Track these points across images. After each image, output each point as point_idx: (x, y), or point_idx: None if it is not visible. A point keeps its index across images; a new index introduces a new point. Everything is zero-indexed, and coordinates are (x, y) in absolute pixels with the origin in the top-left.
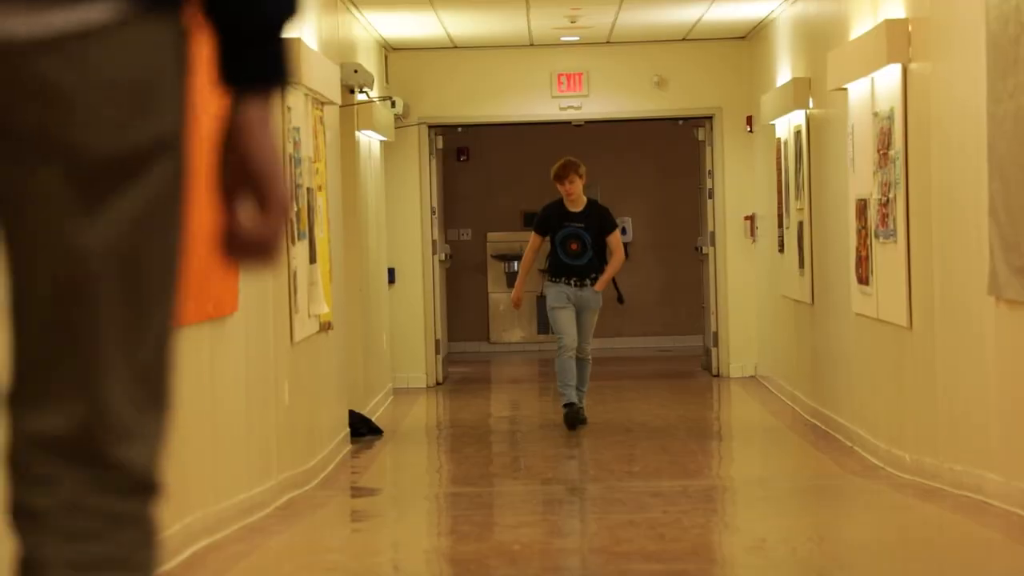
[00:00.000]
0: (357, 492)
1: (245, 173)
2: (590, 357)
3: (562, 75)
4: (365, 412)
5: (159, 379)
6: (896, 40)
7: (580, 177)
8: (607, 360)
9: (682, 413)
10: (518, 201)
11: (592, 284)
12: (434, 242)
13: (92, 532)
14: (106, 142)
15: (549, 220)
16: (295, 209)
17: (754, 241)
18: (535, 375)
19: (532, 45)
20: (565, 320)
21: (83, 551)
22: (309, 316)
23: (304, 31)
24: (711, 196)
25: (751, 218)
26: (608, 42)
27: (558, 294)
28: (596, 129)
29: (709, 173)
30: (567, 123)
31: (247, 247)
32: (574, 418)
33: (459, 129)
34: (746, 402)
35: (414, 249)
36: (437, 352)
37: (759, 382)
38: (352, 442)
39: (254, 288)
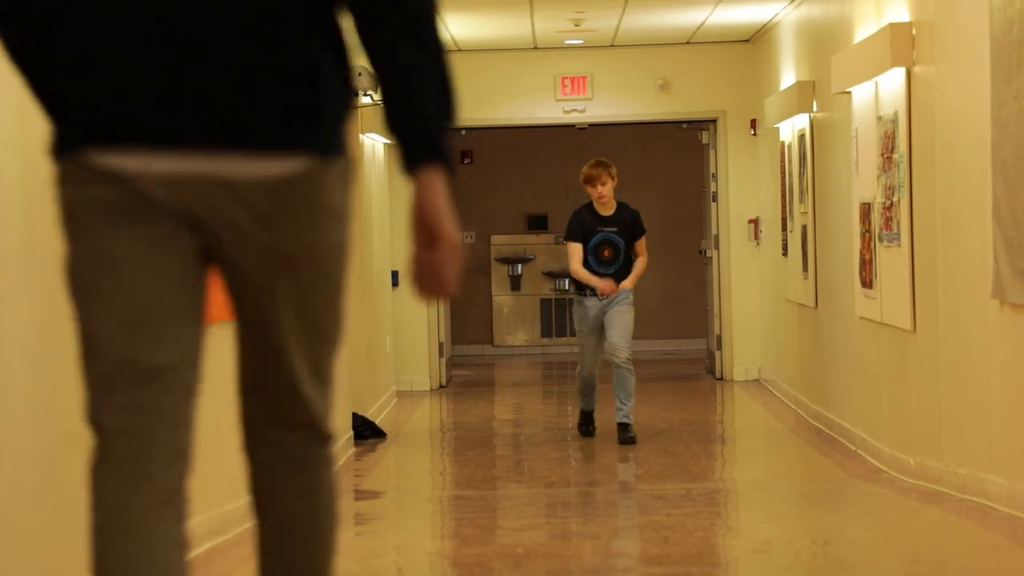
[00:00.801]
0: (360, 495)
1: (422, 224)
2: (631, 366)
3: (566, 78)
4: (368, 415)
5: (327, 379)
6: (900, 44)
7: (612, 179)
8: (609, 364)
9: (686, 416)
10: (522, 204)
11: (623, 292)
12: None
13: (304, 469)
14: (294, 241)
15: (583, 225)
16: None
17: (758, 244)
18: (539, 378)
19: (536, 48)
20: (586, 346)
21: (301, 485)
22: None
23: None
24: (715, 199)
25: (755, 221)
26: (612, 45)
27: (583, 316)
28: (600, 132)
29: (713, 176)
30: (571, 126)
31: (430, 280)
32: (590, 427)
33: (463, 132)
34: (750, 405)
35: None
36: (441, 355)
37: (763, 385)
38: (355, 445)
39: None
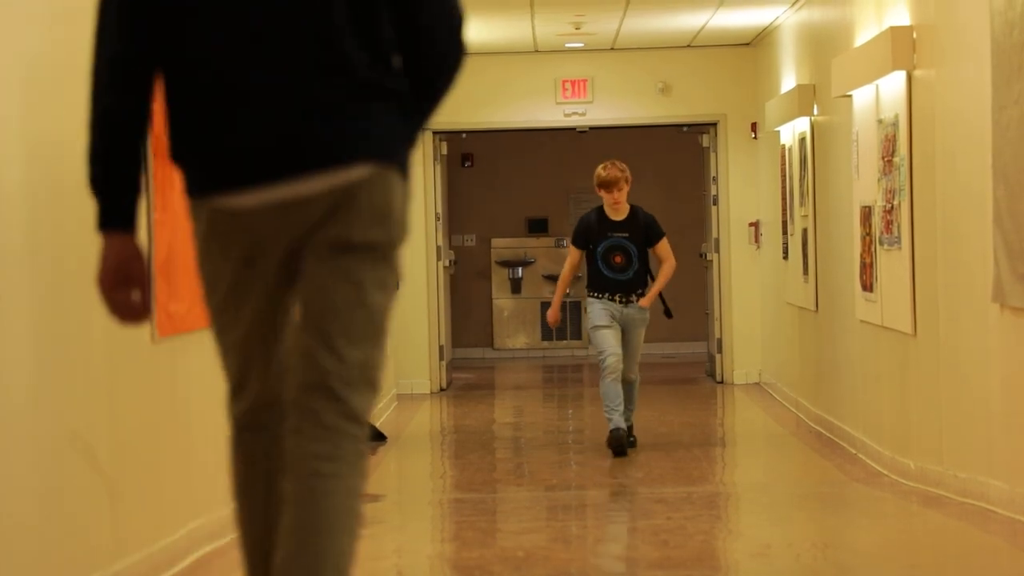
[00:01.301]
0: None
1: None
2: (638, 378)
3: (566, 81)
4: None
5: (370, 360)
6: (901, 47)
7: (627, 184)
8: None
9: (686, 419)
10: (522, 207)
11: (639, 300)
12: (438, 248)
13: (330, 439)
14: (361, 235)
15: (590, 231)
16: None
17: (758, 248)
18: (539, 381)
19: (537, 51)
20: (608, 338)
21: (325, 452)
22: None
23: None
24: (715, 203)
25: (755, 225)
26: (613, 48)
27: (600, 312)
28: (600, 135)
29: (713, 180)
30: (571, 129)
31: None
32: (620, 442)
33: (463, 135)
34: (750, 408)
35: (418, 255)
36: (441, 358)
37: (763, 389)
38: None
39: None
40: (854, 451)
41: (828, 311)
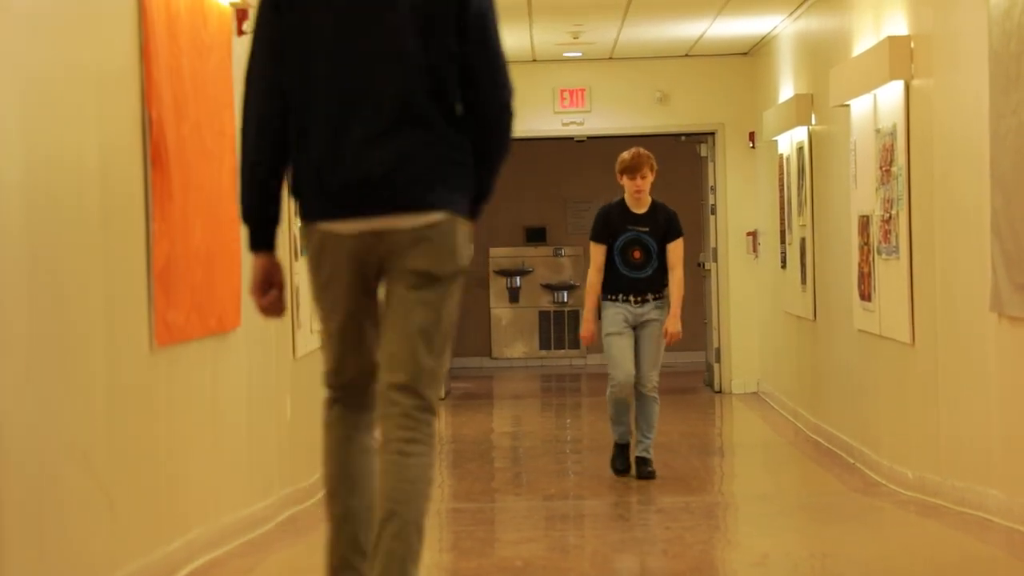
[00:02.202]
0: None
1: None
2: (656, 394)
3: (564, 91)
4: None
5: (439, 365)
6: (899, 57)
7: (653, 172)
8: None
9: (684, 429)
10: (520, 216)
11: (656, 301)
12: None
13: (412, 426)
14: (436, 268)
15: (609, 224)
16: (299, 224)
17: (756, 257)
18: (537, 391)
19: (535, 60)
20: (619, 351)
21: (408, 436)
22: (312, 331)
23: None
24: (713, 212)
25: (753, 234)
26: (611, 58)
27: (613, 317)
28: (598, 145)
29: (711, 189)
30: (569, 139)
31: None
32: (625, 462)
33: None
34: (748, 418)
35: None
36: None
37: (761, 398)
38: None
39: None
40: (852, 461)
41: (826, 320)
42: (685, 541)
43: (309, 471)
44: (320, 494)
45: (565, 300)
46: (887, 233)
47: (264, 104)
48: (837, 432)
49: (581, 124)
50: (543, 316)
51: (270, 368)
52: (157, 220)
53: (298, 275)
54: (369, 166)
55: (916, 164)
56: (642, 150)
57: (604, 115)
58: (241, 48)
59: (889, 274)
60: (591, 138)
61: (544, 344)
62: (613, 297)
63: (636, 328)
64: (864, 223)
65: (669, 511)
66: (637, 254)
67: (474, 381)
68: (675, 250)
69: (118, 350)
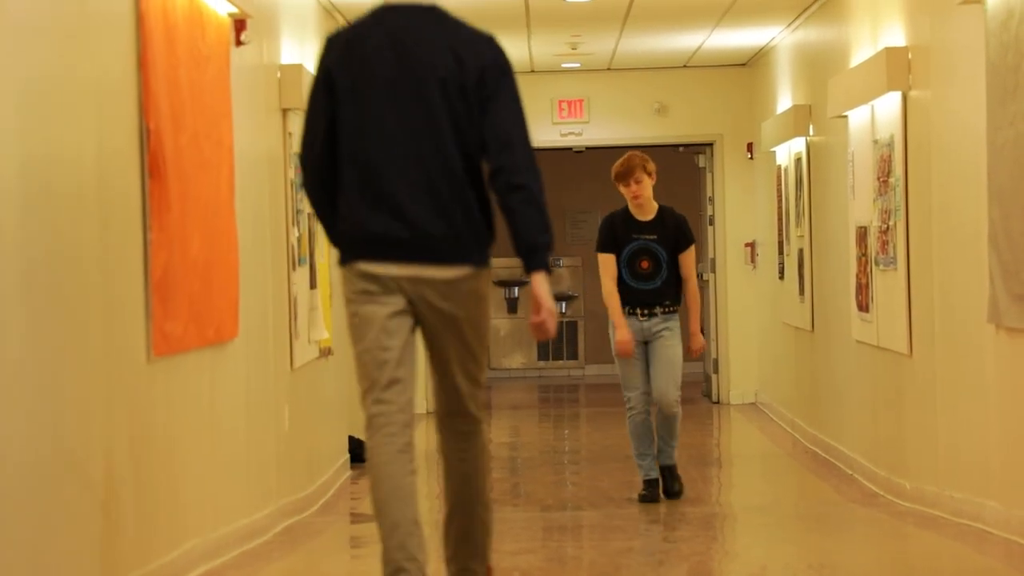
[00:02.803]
0: (357, 518)
1: (534, 301)
2: (678, 409)
3: (563, 101)
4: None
5: (480, 387)
6: (896, 68)
7: (649, 175)
8: (607, 387)
9: (682, 439)
10: None
11: (665, 315)
12: None
13: (465, 439)
14: (464, 312)
15: (615, 233)
16: (297, 235)
17: (754, 268)
18: (535, 401)
19: (533, 71)
20: (632, 372)
21: (463, 447)
22: (309, 342)
23: (306, 57)
24: (712, 223)
25: (751, 245)
26: (609, 69)
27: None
28: (597, 155)
29: (710, 200)
30: (568, 149)
31: (541, 329)
32: (654, 498)
33: None
34: (746, 429)
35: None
36: None
37: (759, 409)
38: (352, 468)
39: (254, 314)
40: (850, 471)
41: (824, 331)
42: (683, 552)
43: (306, 482)
44: (318, 504)
45: (564, 311)
46: (885, 244)
47: (318, 177)
48: (835, 443)
49: (579, 135)
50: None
51: (268, 378)
52: (155, 230)
53: (295, 285)
54: (411, 218)
55: (914, 175)
56: (635, 153)
57: (602, 126)
58: (239, 59)
59: (887, 285)
60: (589, 149)
61: (543, 355)
62: (623, 309)
63: (647, 344)
64: (862, 234)
65: (667, 522)
66: (645, 264)
67: None
68: (688, 259)
69: (116, 360)
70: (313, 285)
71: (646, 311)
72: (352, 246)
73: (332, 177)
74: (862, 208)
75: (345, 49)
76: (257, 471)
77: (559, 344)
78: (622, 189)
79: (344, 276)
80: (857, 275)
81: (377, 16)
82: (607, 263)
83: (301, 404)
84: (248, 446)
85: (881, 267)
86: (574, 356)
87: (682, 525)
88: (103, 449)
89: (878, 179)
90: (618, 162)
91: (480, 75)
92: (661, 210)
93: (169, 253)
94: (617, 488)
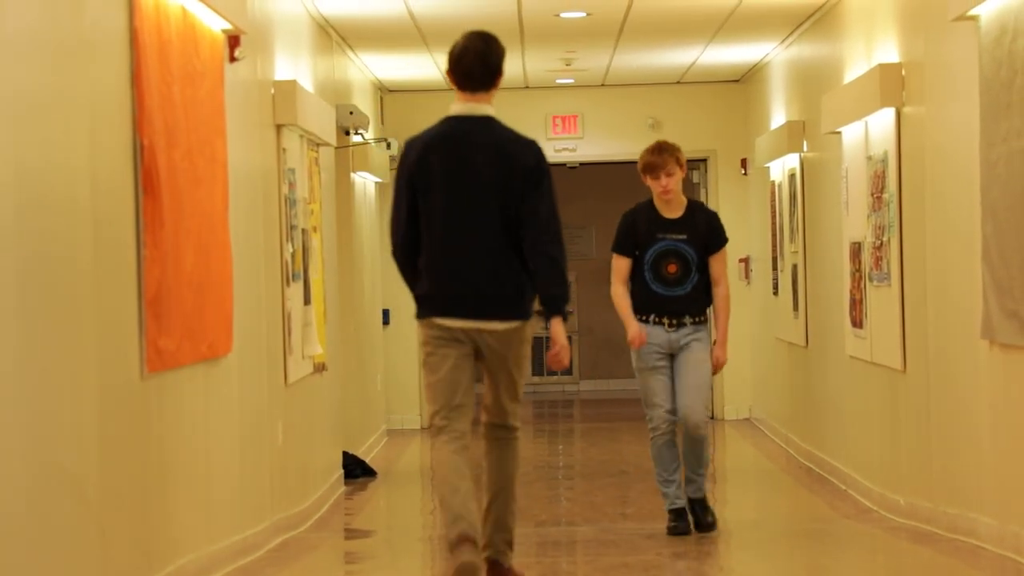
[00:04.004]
0: (351, 534)
1: (552, 340)
2: (707, 432)
3: (557, 117)
4: (359, 453)
5: (519, 403)
6: (890, 84)
7: (681, 167)
8: (600, 402)
9: None
10: None
11: (695, 325)
12: None
13: (507, 445)
14: (512, 353)
15: (636, 232)
16: (291, 250)
17: (748, 283)
18: (529, 416)
19: (527, 87)
20: (656, 388)
21: (504, 452)
22: (303, 357)
23: (300, 73)
24: None
25: (745, 260)
26: (603, 85)
27: (647, 349)
28: (591, 171)
29: None
30: (562, 165)
31: (557, 362)
32: (684, 529)
33: None
34: (740, 444)
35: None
36: None
37: (753, 424)
38: (346, 483)
39: (248, 330)
40: (844, 487)
41: (818, 347)
42: (676, 568)
43: (300, 497)
44: (312, 520)
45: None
46: (879, 260)
47: (403, 253)
48: (829, 458)
49: (573, 151)
50: (536, 342)
51: (262, 394)
52: (148, 246)
53: (289, 300)
54: (473, 281)
55: (907, 191)
56: (666, 141)
57: (596, 142)
58: (233, 75)
59: (880, 301)
60: (583, 164)
61: (537, 370)
62: (643, 319)
63: (672, 356)
64: (856, 250)
65: (660, 537)
66: (673, 268)
67: None
68: (719, 261)
69: (109, 376)
70: (307, 301)
71: (674, 321)
72: (431, 305)
73: (414, 251)
74: (856, 224)
75: (422, 152)
76: (251, 487)
77: None
78: (650, 182)
79: (421, 325)
80: (851, 291)
81: (445, 125)
82: (620, 265)
83: (295, 420)
84: (242, 462)
85: (875, 283)
86: (568, 371)
87: (676, 540)
88: (97, 465)
89: (872, 195)
90: (647, 150)
91: (524, 175)
92: (691, 206)
93: (163, 269)
94: (611, 503)
